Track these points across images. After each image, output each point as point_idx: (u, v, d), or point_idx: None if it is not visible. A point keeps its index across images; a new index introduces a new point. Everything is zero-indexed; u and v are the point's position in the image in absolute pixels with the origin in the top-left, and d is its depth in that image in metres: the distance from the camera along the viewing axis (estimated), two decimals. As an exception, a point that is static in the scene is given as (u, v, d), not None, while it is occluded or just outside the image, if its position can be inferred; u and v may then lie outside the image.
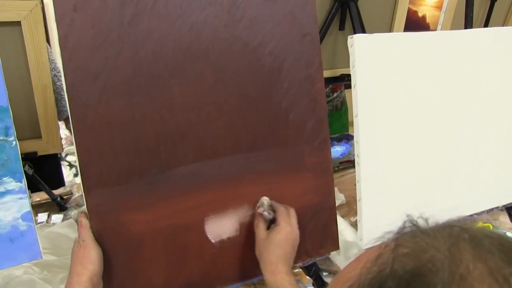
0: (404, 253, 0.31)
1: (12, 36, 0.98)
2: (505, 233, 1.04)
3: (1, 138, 0.73)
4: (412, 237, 0.32)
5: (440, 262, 0.29)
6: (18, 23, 0.97)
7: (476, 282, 0.28)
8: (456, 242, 0.30)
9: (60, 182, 1.51)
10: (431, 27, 1.66)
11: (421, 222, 0.34)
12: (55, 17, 0.66)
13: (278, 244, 0.76)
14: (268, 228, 0.80)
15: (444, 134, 0.99)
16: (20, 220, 0.77)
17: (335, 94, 1.80)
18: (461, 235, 0.31)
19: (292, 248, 0.78)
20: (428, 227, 0.33)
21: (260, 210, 0.81)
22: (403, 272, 0.29)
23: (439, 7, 1.64)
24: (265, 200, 0.82)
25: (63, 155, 2.22)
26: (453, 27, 1.64)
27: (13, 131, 0.74)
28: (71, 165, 2.18)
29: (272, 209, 0.81)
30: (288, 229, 0.77)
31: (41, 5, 0.98)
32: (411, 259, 0.30)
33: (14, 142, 0.74)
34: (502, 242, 0.31)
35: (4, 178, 0.74)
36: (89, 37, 0.68)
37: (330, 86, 1.76)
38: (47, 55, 1.02)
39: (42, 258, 0.80)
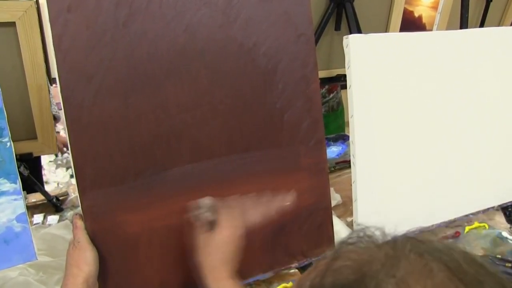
0: (345, 265, 0.33)
1: (7, 37, 0.98)
2: (500, 232, 1.05)
3: (-4, 139, 0.73)
4: (355, 250, 0.34)
5: (376, 272, 0.31)
6: (13, 24, 0.96)
7: None
8: (397, 256, 0.32)
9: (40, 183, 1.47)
10: (427, 28, 1.66)
11: (373, 232, 0.36)
12: (49, 17, 0.65)
13: (219, 247, 0.71)
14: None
15: (439, 135, 0.99)
16: (15, 222, 0.76)
17: (331, 95, 1.80)
18: (405, 249, 0.33)
19: (234, 250, 0.72)
20: (374, 239, 0.36)
21: (195, 213, 0.75)
22: (346, 281, 0.31)
23: (435, 7, 1.64)
24: (207, 199, 0.77)
25: (59, 156, 2.22)
26: (449, 27, 1.64)
27: (7, 132, 0.73)
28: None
29: (214, 210, 0.76)
30: (229, 230, 0.72)
31: (36, 6, 0.98)
32: (352, 270, 0.32)
33: (8, 143, 0.74)
34: (454, 258, 0.32)
35: (-1, 179, 0.74)
36: (84, 38, 0.68)
37: (326, 86, 1.76)
38: (42, 55, 1.02)
39: (37, 259, 0.80)
